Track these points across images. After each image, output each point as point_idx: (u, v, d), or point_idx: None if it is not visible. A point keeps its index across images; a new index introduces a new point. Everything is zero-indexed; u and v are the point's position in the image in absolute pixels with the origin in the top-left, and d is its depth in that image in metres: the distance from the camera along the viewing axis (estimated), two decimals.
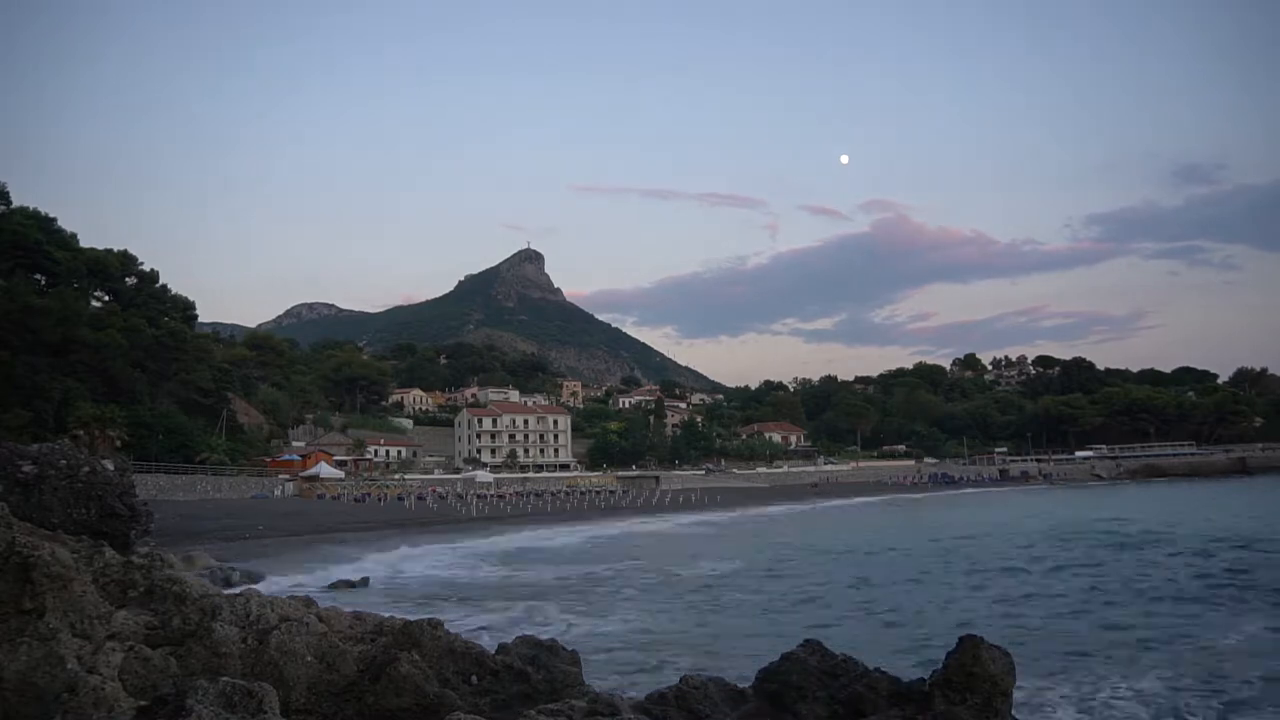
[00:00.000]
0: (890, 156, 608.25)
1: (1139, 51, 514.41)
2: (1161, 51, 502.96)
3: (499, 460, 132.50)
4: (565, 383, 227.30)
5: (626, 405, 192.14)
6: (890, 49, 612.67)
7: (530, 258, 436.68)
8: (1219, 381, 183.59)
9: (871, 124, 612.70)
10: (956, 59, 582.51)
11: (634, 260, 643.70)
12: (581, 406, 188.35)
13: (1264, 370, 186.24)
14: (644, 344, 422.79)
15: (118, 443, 62.67)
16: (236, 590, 9.88)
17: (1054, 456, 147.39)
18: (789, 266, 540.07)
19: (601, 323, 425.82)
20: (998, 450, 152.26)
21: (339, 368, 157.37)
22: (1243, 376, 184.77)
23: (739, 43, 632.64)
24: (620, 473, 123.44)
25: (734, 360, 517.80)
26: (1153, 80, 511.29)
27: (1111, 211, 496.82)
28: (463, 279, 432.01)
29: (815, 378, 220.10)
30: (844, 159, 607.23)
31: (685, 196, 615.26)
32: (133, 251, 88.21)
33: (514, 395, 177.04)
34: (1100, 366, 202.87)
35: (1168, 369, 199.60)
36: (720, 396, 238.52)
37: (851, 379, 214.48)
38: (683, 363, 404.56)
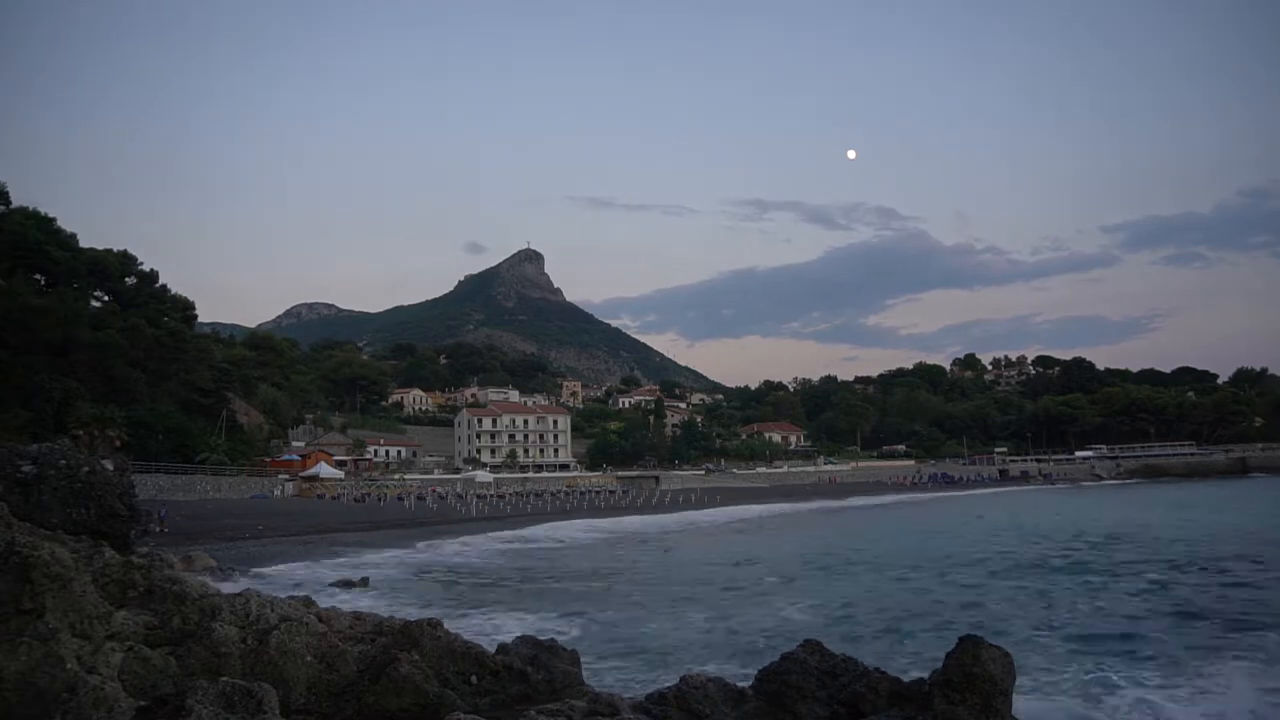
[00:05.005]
0: (896, 162, 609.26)
1: (1159, 60, 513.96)
2: (1177, 58, 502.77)
3: (499, 460, 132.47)
4: (565, 383, 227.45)
5: (626, 405, 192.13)
6: (894, 53, 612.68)
7: (530, 258, 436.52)
8: (1219, 381, 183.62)
9: (877, 126, 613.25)
10: (969, 61, 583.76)
11: (644, 270, 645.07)
12: (581, 406, 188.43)
13: (1264, 370, 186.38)
14: (644, 344, 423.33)
15: (117, 443, 62.48)
16: (236, 590, 9.87)
17: (1054, 456, 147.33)
18: (796, 274, 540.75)
19: (602, 323, 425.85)
20: (997, 450, 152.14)
21: (339, 368, 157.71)
22: (1243, 376, 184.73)
23: (757, 55, 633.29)
24: (620, 473, 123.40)
25: (735, 362, 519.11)
26: (1169, 87, 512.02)
27: (1124, 221, 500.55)
28: (463, 279, 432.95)
29: (815, 378, 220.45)
30: (851, 154, 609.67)
31: (701, 213, 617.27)
32: (133, 251, 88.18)
33: (514, 395, 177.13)
34: (1100, 367, 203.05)
35: (1167, 369, 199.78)
36: (720, 397, 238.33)
37: (852, 379, 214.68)
38: (683, 363, 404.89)
